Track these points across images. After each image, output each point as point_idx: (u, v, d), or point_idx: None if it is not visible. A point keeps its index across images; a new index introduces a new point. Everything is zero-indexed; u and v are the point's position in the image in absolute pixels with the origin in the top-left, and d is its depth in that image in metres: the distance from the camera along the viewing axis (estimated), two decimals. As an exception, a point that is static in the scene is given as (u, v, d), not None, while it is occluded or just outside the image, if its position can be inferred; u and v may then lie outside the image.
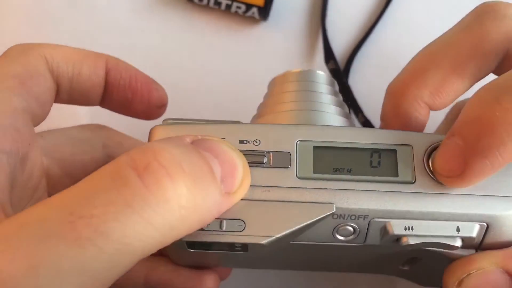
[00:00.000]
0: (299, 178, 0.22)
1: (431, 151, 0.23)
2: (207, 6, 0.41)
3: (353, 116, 0.38)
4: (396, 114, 0.26)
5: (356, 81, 0.39)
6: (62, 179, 0.27)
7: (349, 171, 0.22)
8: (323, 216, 0.22)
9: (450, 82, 0.25)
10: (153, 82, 0.29)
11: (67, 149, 0.27)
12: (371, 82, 0.39)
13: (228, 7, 0.40)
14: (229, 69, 0.40)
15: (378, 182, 0.22)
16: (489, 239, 0.23)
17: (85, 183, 0.18)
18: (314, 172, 0.22)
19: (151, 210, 0.18)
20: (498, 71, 0.25)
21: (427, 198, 0.22)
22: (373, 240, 0.23)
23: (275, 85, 0.28)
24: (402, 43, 0.40)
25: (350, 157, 0.23)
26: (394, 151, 0.23)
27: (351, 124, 0.26)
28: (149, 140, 0.23)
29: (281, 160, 0.22)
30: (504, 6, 0.25)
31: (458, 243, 0.22)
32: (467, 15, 0.26)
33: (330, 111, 0.25)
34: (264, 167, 0.22)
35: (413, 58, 0.26)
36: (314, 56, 0.40)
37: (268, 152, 0.23)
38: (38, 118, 0.25)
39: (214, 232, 0.21)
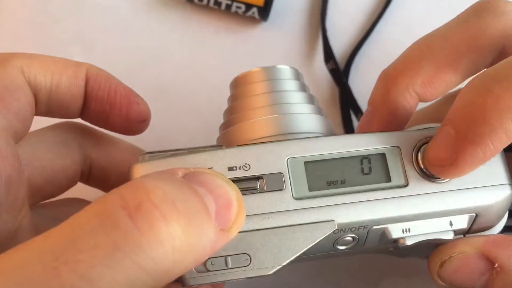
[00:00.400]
0: (296, 199, 0.22)
1: (418, 149, 0.23)
2: (207, 6, 0.41)
3: (353, 116, 0.38)
4: (385, 101, 0.25)
5: (356, 81, 0.39)
6: (44, 188, 0.26)
7: (343, 183, 0.22)
8: (326, 235, 0.21)
9: (443, 74, 0.25)
10: (135, 95, 0.27)
11: (46, 155, 0.26)
12: (371, 82, 0.38)
13: (228, 7, 0.40)
14: (229, 69, 0.40)
15: (373, 190, 0.22)
16: (476, 226, 0.23)
17: (70, 223, 0.17)
18: (310, 189, 0.22)
19: (143, 254, 0.16)
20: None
21: (422, 199, 0.22)
22: (371, 244, 0.23)
23: (239, 86, 0.26)
24: (402, 43, 0.39)
25: (341, 167, 0.22)
26: (383, 154, 0.23)
27: (326, 119, 0.26)
28: (130, 179, 0.22)
29: (275, 183, 0.22)
30: (503, 3, 0.25)
31: (451, 235, 0.23)
32: (466, 9, 0.26)
33: (303, 111, 0.25)
34: (258, 192, 0.21)
35: (409, 48, 0.26)
36: (314, 56, 0.40)
37: (260, 176, 0.22)
38: (20, 134, 0.24)
39: (220, 272, 0.21)
